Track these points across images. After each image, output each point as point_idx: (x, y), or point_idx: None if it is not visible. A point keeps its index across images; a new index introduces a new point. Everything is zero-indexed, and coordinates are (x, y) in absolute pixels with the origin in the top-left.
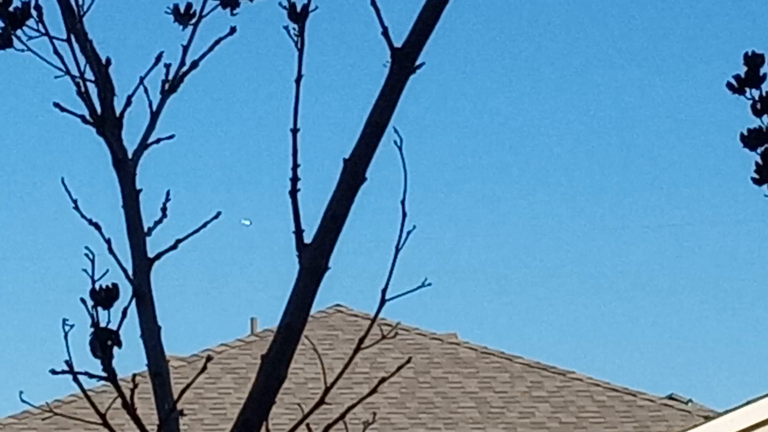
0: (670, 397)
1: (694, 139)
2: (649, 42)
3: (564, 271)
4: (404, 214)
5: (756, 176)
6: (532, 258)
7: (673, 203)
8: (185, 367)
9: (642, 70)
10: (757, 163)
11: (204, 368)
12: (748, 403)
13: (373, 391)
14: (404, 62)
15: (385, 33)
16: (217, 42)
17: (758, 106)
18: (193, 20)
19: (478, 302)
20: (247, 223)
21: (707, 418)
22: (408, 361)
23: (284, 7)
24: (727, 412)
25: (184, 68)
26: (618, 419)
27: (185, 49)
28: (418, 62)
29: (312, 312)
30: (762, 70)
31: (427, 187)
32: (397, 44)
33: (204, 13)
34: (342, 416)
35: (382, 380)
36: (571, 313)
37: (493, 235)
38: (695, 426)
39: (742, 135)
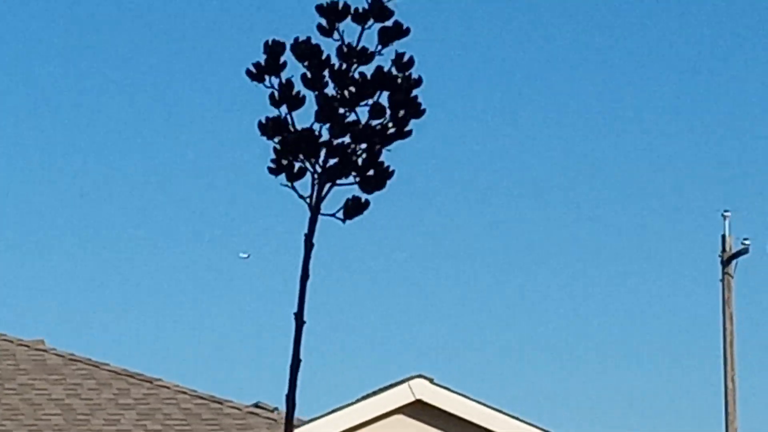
0: (257, 405)
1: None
2: None
3: (146, 281)
4: None
5: (272, 166)
6: (117, 267)
7: None
8: None
9: None
10: (275, 151)
11: None
12: (332, 411)
13: None
14: None
15: None
16: None
17: (277, 95)
18: None
19: (66, 309)
20: (245, 256)
21: None
22: None
23: None
24: (312, 420)
25: None
26: (204, 427)
27: None
28: None
29: None
30: (282, 58)
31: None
32: None
33: None
34: None
35: None
36: (152, 320)
37: (76, 240)
38: None
39: (260, 123)
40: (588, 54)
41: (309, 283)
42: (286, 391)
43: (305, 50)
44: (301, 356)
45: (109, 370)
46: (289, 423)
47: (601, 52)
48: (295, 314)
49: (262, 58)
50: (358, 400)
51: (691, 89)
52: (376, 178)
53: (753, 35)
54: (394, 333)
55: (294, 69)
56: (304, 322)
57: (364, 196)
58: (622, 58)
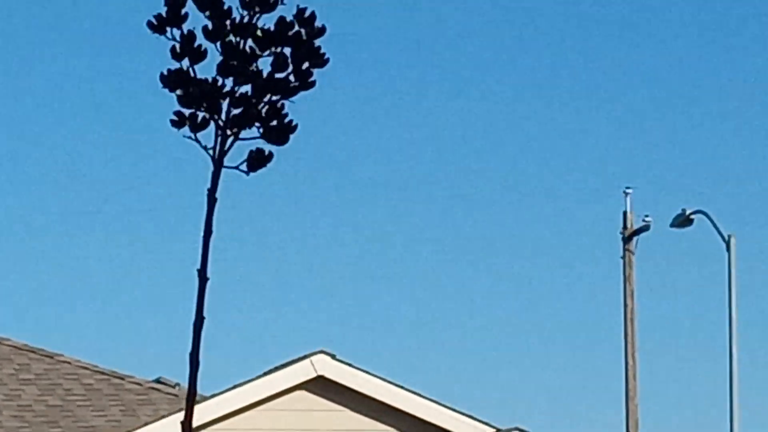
0: (158, 381)
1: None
2: None
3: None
4: None
5: (175, 118)
6: (16, 240)
7: None
8: None
9: None
10: (178, 103)
11: None
12: (234, 387)
13: None
14: None
15: None
16: None
17: (179, 47)
18: None
19: None
20: None
21: None
22: None
23: None
24: (213, 396)
25: None
26: (105, 402)
27: None
28: None
29: None
30: (184, 10)
31: None
32: None
33: None
34: None
35: None
36: (53, 295)
37: None
38: (181, 409)
39: (162, 75)
40: (494, 22)
41: (212, 239)
42: (189, 349)
43: (206, 1)
44: (205, 314)
45: (10, 345)
46: (193, 382)
47: (504, 23)
48: (198, 271)
49: (163, 10)
50: (259, 376)
51: (592, 66)
52: (280, 129)
53: (646, 15)
54: (295, 307)
55: (196, 21)
56: (207, 279)
57: (267, 148)
58: (522, 32)
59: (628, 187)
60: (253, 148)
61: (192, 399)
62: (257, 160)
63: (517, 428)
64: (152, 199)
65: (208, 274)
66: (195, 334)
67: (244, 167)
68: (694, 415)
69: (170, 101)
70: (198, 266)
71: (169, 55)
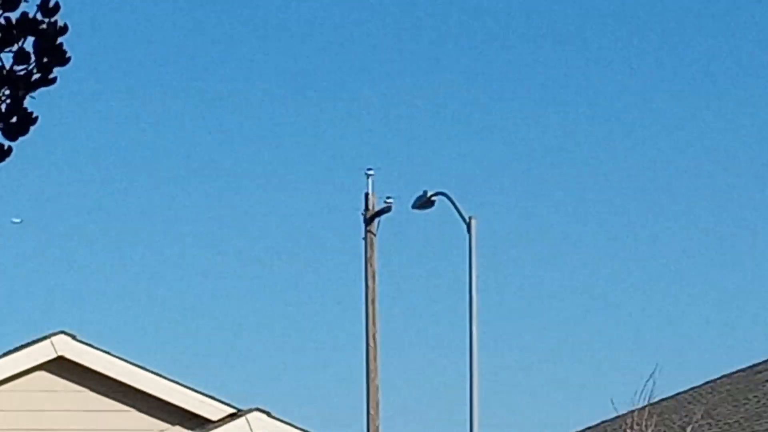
0: None
1: None
2: None
3: None
4: None
5: None
6: None
7: None
8: None
9: None
10: None
11: None
12: None
13: None
14: None
15: None
16: None
17: None
18: None
19: None
20: (18, 221)
21: None
22: None
23: None
24: None
25: None
26: None
27: None
28: None
29: None
30: None
31: None
32: None
33: None
34: None
35: None
36: None
37: None
38: None
39: None
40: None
41: None
42: None
43: None
44: None
45: None
46: None
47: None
48: None
49: None
50: None
51: (334, 49)
52: (20, 124)
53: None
54: (35, 288)
55: None
56: None
57: (7, 143)
58: (266, 17)
59: (369, 169)
60: None
61: None
62: None
63: (257, 408)
64: None
65: None
66: None
67: None
68: (435, 396)
69: None
70: None
71: None
